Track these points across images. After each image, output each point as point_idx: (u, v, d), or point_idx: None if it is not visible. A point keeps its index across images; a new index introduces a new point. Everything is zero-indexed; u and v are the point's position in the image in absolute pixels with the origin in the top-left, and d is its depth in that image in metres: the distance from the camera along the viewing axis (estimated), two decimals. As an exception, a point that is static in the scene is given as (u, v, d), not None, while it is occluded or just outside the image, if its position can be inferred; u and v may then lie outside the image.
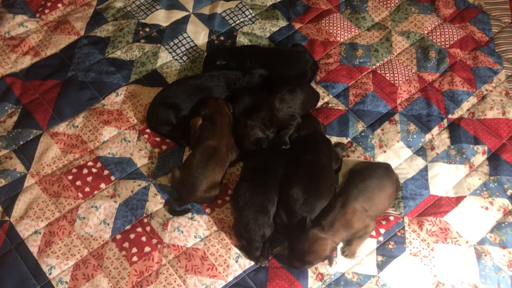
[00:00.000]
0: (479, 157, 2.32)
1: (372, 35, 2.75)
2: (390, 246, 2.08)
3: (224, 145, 2.14)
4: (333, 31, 2.74)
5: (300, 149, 2.20)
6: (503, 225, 2.13)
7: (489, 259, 2.05)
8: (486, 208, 2.17)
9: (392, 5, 2.87)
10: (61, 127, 2.38)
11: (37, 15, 2.80)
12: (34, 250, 2.05)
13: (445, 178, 2.26)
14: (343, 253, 2.04)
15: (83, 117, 2.41)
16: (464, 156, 2.31)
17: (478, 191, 2.22)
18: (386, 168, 2.14)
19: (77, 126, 2.38)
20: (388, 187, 2.08)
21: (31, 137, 2.34)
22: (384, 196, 2.06)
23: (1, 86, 2.51)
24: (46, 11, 2.82)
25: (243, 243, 2.04)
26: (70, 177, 2.22)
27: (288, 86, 2.28)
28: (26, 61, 2.62)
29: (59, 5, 2.85)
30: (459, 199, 2.20)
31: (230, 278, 2.00)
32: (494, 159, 2.31)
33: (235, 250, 2.06)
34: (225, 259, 2.03)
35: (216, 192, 2.13)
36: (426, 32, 2.75)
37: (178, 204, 2.14)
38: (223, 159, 2.13)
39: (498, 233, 2.11)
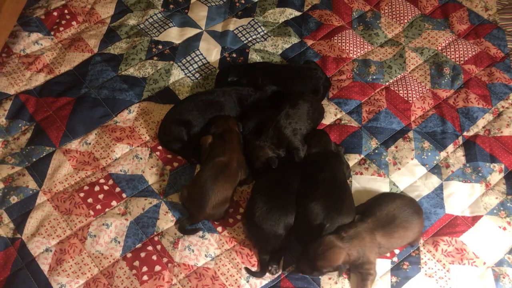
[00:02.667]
0: (496, 176, 2.27)
1: (385, 51, 2.73)
2: (405, 267, 2.04)
3: (234, 161, 2.12)
4: (345, 47, 2.73)
5: (312, 167, 2.17)
6: (521, 246, 2.08)
7: (507, 281, 1.99)
8: (504, 228, 2.12)
9: (406, 21, 2.85)
10: (74, 144, 2.39)
11: (52, 33, 2.83)
12: (45, 268, 2.04)
13: (460, 197, 2.21)
14: None
15: (96, 134, 2.42)
16: (480, 174, 2.27)
17: (495, 211, 2.17)
18: (418, 210, 2.06)
19: (90, 143, 2.39)
20: (413, 229, 2.01)
21: (43, 154, 2.35)
22: (405, 237, 2.00)
23: (15, 103, 2.53)
24: (61, 29, 2.85)
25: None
26: (81, 195, 2.22)
27: (290, 101, 2.26)
28: (40, 78, 2.65)
29: (74, 23, 2.88)
30: (475, 219, 2.15)
31: (241, 299, 1.97)
32: (511, 178, 2.26)
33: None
34: (236, 279, 2.01)
35: (225, 207, 2.11)
36: (440, 48, 2.73)
37: (189, 223, 2.12)
38: (233, 175, 2.11)
39: (516, 254, 2.06)
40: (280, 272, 2.03)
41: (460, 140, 2.39)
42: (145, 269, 2.03)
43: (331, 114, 2.48)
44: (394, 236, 1.96)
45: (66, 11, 2.91)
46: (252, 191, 2.17)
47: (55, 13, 2.89)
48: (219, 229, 2.14)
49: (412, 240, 2.04)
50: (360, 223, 1.96)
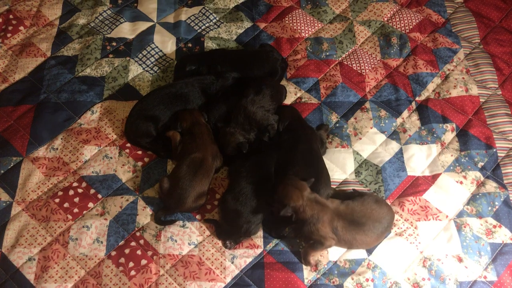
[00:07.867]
0: (449, 135, 2.44)
1: (335, 27, 2.83)
2: (376, 229, 2.18)
3: (209, 155, 2.19)
4: (297, 27, 2.81)
5: (289, 138, 2.26)
6: (477, 196, 2.26)
7: (468, 230, 2.18)
8: (461, 182, 2.30)
9: (351, -5, 2.96)
10: (41, 151, 2.37)
11: (0, 40, 2.76)
12: (30, 277, 2.06)
13: (419, 158, 2.37)
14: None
15: (62, 138, 2.41)
16: (435, 135, 2.43)
17: (451, 167, 2.34)
18: (391, 218, 2.11)
19: (57, 149, 2.38)
20: (380, 235, 2.06)
21: (11, 165, 2.33)
22: (370, 241, 2.06)
23: (-27, 117, 2.48)
24: (8, 35, 2.78)
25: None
26: (57, 200, 2.23)
27: (253, 88, 2.34)
28: (-5, 88, 2.59)
29: (21, 27, 2.82)
30: (435, 177, 2.31)
31: (228, 279, 2.06)
32: (462, 135, 2.44)
33: (230, 252, 2.12)
34: (221, 262, 2.09)
35: (203, 201, 2.19)
36: (386, 19, 2.86)
37: (164, 214, 2.18)
38: (209, 169, 2.18)
39: (474, 205, 2.24)
40: (261, 250, 2.13)
41: (413, 105, 2.54)
42: (131, 264, 2.08)
43: (291, 94, 2.57)
44: (355, 236, 2.00)
45: (11, 16, 2.84)
46: (234, 176, 2.21)
47: (-1, 19, 2.82)
48: (198, 217, 2.21)
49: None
50: (334, 201, 2.03)
